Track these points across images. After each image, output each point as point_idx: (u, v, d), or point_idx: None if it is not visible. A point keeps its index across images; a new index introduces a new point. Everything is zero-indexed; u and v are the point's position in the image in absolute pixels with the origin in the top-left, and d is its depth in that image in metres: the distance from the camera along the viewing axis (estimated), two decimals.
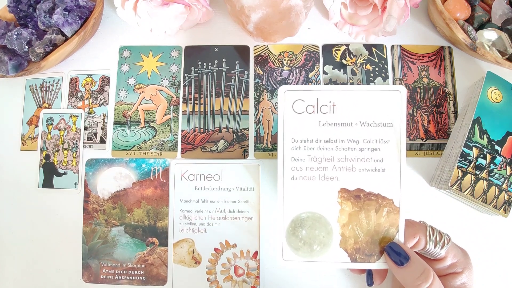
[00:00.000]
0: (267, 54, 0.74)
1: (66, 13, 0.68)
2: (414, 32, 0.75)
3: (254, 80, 0.73)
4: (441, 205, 0.69)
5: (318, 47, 0.74)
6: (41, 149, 0.72)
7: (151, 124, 0.72)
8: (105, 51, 0.75)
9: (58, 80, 0.74)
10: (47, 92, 0.74)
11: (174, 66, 0.74)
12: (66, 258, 0.69)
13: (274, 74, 0.73)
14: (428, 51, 0.74)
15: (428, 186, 0.69)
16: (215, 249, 0.67)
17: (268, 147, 0.70)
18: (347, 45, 0.74)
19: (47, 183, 0.71)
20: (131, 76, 0.73)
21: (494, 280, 0.67)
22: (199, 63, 0.74)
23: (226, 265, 0.67)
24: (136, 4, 0.70)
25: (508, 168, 0.64)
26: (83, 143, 0.72)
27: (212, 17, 0.75)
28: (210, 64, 0.74)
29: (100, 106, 0.73)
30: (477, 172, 0.63)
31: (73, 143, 0.71)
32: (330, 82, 0.73)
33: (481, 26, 0.70)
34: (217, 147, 0.71)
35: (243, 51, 0.74)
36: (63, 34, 0.69)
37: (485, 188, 0.63)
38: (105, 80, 0.74)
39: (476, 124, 0.64)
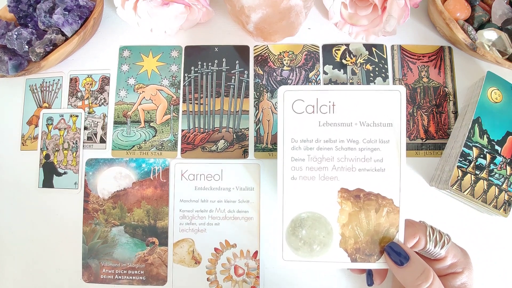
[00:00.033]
0: (267, 54, 0.74)
1: (66, 13, 0.68)
2: (414, 32, 0.75)
3: (254, 80, 0.73)
4: (441, 205, 0.69)
5: (318, 47, 0.74)
6: (41, 149, 0.72)
7: (151, 124, 0.72)
8: (105, 51, 0.75)
9: (58, 80, 0.74)
10: (47, 92, 0.74)
11: (174, 66, 0.74)
12: (66, 258, 0.69)
13: (274, 74, 0.73)
14: (428, 51, 0.74)
15: (428, 186, 0.69)
16: (215, 249, 0.67)
17: (268, 147, 0.70)
18: (347, 45, 0.74)
19: (47, 183, 0.71)
20: (131, 76, 0.74)
21: (494, 280, 0.67)
22: (199, 63, 0.74)
23: (226, 265, 0.67)
24: (136, 4, 0.70)
25: (508, 168, 0.64)
26: (83, 143, 0.72)
27: (212, 17, 0.75)
28: (210, 64, 0.74)
29: (100, 106, 0.73)
30: (477, 172, 0.63)
31: (73, 143, 0.71)
32: (330, 82, 0.73)
33: (481, 26, 0.70)
34: (217, 147, 0.71)
35: (243, 51, 0.74)
36: (63, 34, 0.69)
37: (485, 188, 0.63)
38: (105, 80, 0.74)
39: (476, 124, 0.64)
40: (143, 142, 0.71)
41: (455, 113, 0.71)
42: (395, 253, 0.50)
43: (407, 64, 0.73)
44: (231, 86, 0.73)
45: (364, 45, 0.74)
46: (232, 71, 0.73)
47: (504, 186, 0.63)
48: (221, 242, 0.68)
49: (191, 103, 0.72)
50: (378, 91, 0.52)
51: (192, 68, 0.73)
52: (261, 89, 0.72)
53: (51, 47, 0.68)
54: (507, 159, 0.64)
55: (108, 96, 0.73)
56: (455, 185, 0.62)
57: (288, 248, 0.52)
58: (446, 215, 0.68)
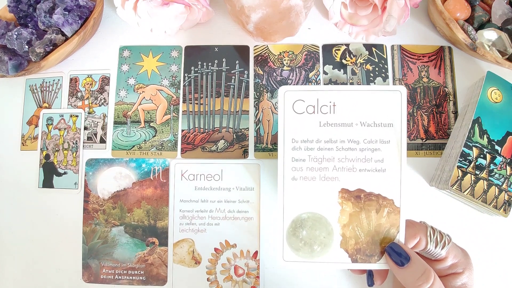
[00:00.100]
0: (267, 54, 0.74)
1: (66, 13, 0.68)
2: (414, 32, 0.75)
3: (254, 80, 0.73)
4: (441, 205, 0.69)
5: (318, 47, 0.74)
6: (41, 149, 0.72)
7: (151, 124, 0.72)
8: (105, 51, 0.75)
9: (58, 80, 0.74)
10: (47, 92, 0.74)
11: (174, 66, 0.74)
12: (66, 258, 0.69)
13: (274, 74, 0.73)
14: (428, 51, 0.74)
15: (428, 186, 0.69)
16: (215, 249, 0.67)
17: (268, 147, 0.70)
18: (347, 45, 0.74)
19: (47, 183, 0.71)
20: (131, 76, 0.73)
21: (494, 280, 0.67)
22: (199, 63, 0.74)
23: (226, 265, 0.67)
24: (136, 4, 0.70)
25: (508, 168, 0.64)
26: (83, 143, 0.72)
27: (212, 17, 0.75)
28: (210, 64, 0.74)
29: (100, 106, 0.73)
30: (477, 172, 0.63)
31: (73, 143, 0.71)
32: (330, 82, 0.73)
33: (481, 26, 0.70)
34: (217, 147, 0.71)
35: (243, 51, 0.74)
36: (63, 34, 0.69)
37: (485, 188, 0.63)
38: (105, 80, 0.74)
39: (476, 124, 0.64)
40: (143, 142, 0.71)
41: (455, 113, 0.71)
42: (396, 253, 0.50)
43: (407, 64, 0.73)
44: (231, 86, 0.73)
45: (364, 45, 0.74)
46: (232, 71, 0.73)
47: (504, 186, 0.63)
48: (221, 242, 0.68)
49: (191, 103, 0.72)
50: (378, 91, 0.52)
51: (192, 68, 0.73)
52: (261, 89, 0.72)
53: (51, 47, 0.68)
54: (507, 159, 0.64)
55: (108, 96, 0.73)
56: (455, 185, 0.62)
57: (288, 248, 0.52)
58: (446, 215, 0.68)
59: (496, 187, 0.63)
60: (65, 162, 0.71)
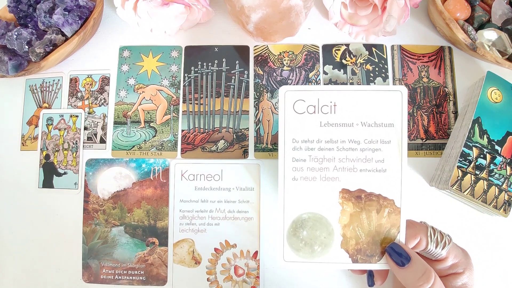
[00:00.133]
0: (267, 54, 0.74)
1: (66, 13, 0.68)
2: (414, 32, 0.75)
3: (254, 80, 0.73)
4: (441, 205, 0.69)
5: (318, 47, 0.74)
6: (41, 149, 0.72)
7: (151, 124, 0.72)
8: (105, 51, 0.75)
9: (58, 80, 0.74)
10: (47, 92, 0.74)
11: (174, 66, 0.74)
12: (66, 258, 0.69)
13: (274, 74, 0.73)
14: (428, 51, 0.74)
15: (428, 186, 0.69)
16: (215, 249, 0.67)
17: (268, 147, 0.70)
18: (347, 45, 0.74)
19: (47, 183, 0.71)
20: (131, 76, 0.73)
21: (494, 280, 0.67)
22: (199, 63, 0.74)
23: (226, 265, 0.67)
24: (136, 4, 0.70)
25: (508, 168, 0.64)
26: (83, 143, 0.72)
27: (212, 17, 0.75)
28: (210, 64, 0.74)
29: (100, 106, 0.73)
30: (477, 172, 0.63)
31: (73, 143, 0.71)
32: (330, 82, 0.73)
33: (481, 26, 0.70)
34: (217, 147, 0.71)
35: (243, 51, 0.74)
36: (63, 34, 0.69)
37: (485, 188, 0.63)
38: (105, 80, 0.74)
39: (476, 124, 0.64)
40: (143, 142, 0.71)
41: (455, 113, 0.71)
42: (396, 253, 0.50)
43: (407, 64, 0.73)
44: (231, 86, 0.73)
45: (364, 45, 0.74)
46: (232, 71, 0.73)
47: (504, 186, 0.63)
48: (221, 242, 0.68)
49: (191, 103, 0.72)
50: (379, 91, 0.52)
51: (192, 68, 0.73)
52: (261, 89, 0.72)
53: (51, 47, 0.68)
54: (507, 159, 0.64)
55: (108, 96, 0.73)
56: (455, 185, 0.62)
57: (289, 249, 0.52)
58: (446, 215, 0.68)
59: (496, 187, 0.63)
60: (65, 162, 0.71)
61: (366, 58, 0.74)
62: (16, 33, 0.67)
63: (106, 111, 0.72)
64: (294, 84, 0.73)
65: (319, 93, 0.53)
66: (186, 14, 0.72)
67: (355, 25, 0.74)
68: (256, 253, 0.67)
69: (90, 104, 0.73)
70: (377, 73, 0.73)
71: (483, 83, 0.65)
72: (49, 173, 0.71)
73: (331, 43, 0.75)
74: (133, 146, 0.71)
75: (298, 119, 0.53)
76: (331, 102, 0.53)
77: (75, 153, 0.71)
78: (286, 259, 0.52)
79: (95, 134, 0.72)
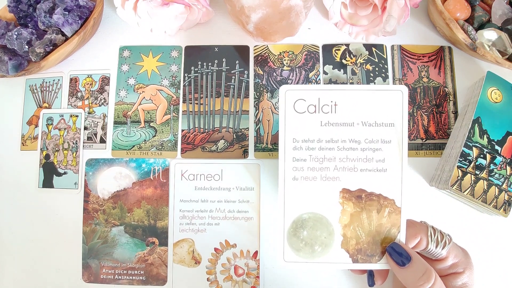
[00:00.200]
0: (267, 54, 0.74)
1: (66, 13, 0.68)
2: (414, 32, 0.75)
3: (254, 80, 0.73)
4: (441, 205, 0.69)
5: (318, 47, 0.74)
6: (41, 149, 0.72)
7: (151, 124, 0.72)
8: (105, 51, 0.75)
9: (58, 80, 0.74)
10: (47, 92, 0.74)
11: (174, 66, 0.74)
12: (66, 258, 0.69)
13: (274, 74, 0.73)
14: (428, 51, 0.74)
15: (428, 186, 0.69)
16: (215, 249, 0.67)
17: (268, 147, 0.70)
18: (347, 45, 0.74)
19: (47, 183, 0.71)
20: (131, 76, 0.73)
21: (494, 280, 0.67)
22: (199, 63, 0.74)
23: (226, 265, 0.67)
24: (136, 4, 0.70)
25: (508, 168, 0.64)
26: (83, 143, 0.72)
27: (212, 17, 0.75)
28: (210, 64, 0.74)
29: (100, 106, 0.73)
30: (477, 172, 0.63)
31: (73, 143, 0.71)
32: (330, 82, 0.73)
33: (481, 26, 0.70)
34: (217, 147, 0.71)
35: (243, 51, 0.74)
36: (63, 34, 0.69)
37: (485, 188, 0.63)
38: (105, 80, 0.74)
39: (476, 124, 0.64)
40: (143, 142, 0.71)
41: (455, 113, 0.71)
42: (397, 253, 0.50)
43: (407, 64, 0.73)
44: (231, 86, 0.73)
45: (364, 45, 0.74)
46: (232, 71, 0.73)
47: (504, 186, 0.64)
48: (221, 242, 0.68)
49: (191, 103, 0.72)
50: (380, 91, 0.52)
51: (192, 68, 0.73)
52: (261, 89, 0.72)
53: (51, 47, 0.68)
54: (507, 159, 0.64)
55: (108, 96, 0.73)
56: (455, 185, 0.62)
57: (289, 249, 0.52)
58: (446, 215, 0.68)
59: (496, 187, 0.63)
60: (65, 162, 0.71)
61: (366, 58, 0.74)
62: (16, 33, 0.67)
63: (106, 111, 0.72)
64: (294, 84, 0.72)
65: (320, 93, 0.53)
66: (186, 14, 0.72)
67: (355, 25, 0.74)
68: (256, 253, 0.67)
69: (90, 104, 0.73)
70: (377, 73, 0.73)
71: (483, 83, 0.65)
72: (49, 173, 0.71)
73: (331, 43, 0.75)
74: (133, 146, 0.71)
75: (298, 119, 0.53)
76: (331, 101, 0.53)
77: (75, 153, 0.71)
78: (287, 259, 0.52)
79: (95, 134, 0.72)
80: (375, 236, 0.52)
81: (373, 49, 0.74)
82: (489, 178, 0.63)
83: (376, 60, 0.73)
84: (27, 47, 0.68)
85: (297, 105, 0.53)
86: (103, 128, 0.72)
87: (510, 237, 0.68)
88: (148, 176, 0.70)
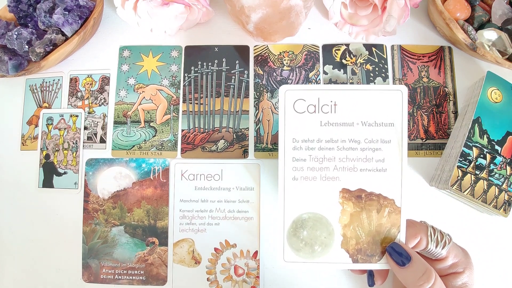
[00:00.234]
0: (267, 54, 0.74)
1: (66, 13, 0.68)
2: (414, 32, 0.75)
3: (254, 80, 0.73)
4: (441, 205, 0.69)
5: (318, 47, 0.74)
6: (41, 149, 0.72)
7: (151, 124, 0.72)
8: (105, 51, 0.75)
9: (58, 80, 0.74)
10: (47, 92, 0.74)
11: (174, 66, 0.74)
12: (66, 258, 0.69)
13: (274, 74, 0.73)
14: (428, 51, 0.74)
15: (428, 186, 0.69)
16: (215, 249, 0.67)
17: (268, 147, 0.70)
18: (347, 45, 0.74)
19: (47, 183, 0.71)
20: (131, 76, 0.73)
21: (494, 280, 0.67)
22: (199, 63, 0.74)
23: (226, 265, 0.67)
24: (136, 4, 0.70)
25: (508, 168, 0.64)
26: (83, 142, 0.71)
27: (212, 17, 0.75)
28: (210, 64, 0.74)
29: (100, 106, 0.73)
30: (477, 172, 0.63)
31: (73, 143, 0.71)
32: (330, 82, 0.73)
33: (481, 26, 0.70)
34: (217, 147, 0.71)
35: (243, 51, 0.74)
36: (63, 34, 0.69)
37: (485, 188, 0.63)
38: (105, 80, 0.74)
39: (476, 124, 0.64)
40: (143, 142, 0.71)
41: (455, 113, 0.71)
42: (397, 253, 0.50)
43: (407, 64, 0.73)
44: (231, 86, 0.73)
45: (364, 45, 0.74)
46: (232, 71, 0.73)
47: (504, 186, 0.63)
48: (221, 242, 0.68)
49: (191, 103, 0.72)
50: (379, 91, 0.52)
51: (192, 68, 0.73)
52: (261, 89, 0.72)
53: (51, 47, 0.68)
54: (507, 159, 0.64)
55: (108, 96, 0.73)
56: (455, 185, 0.62)
57: (289, 249, 0.52)
58: (446, 215, 0.68)
59: (496, 187, 0.63)
60: (65, 162, 0.71)
61: (366, 58, 0.74)
62: (16, 33, 0.67)
63: (106, 111, 0.72)
64: (294, 84, 0.72)
65: (320, 93, 0.53)
66: (186, 14, 0.72)
67: (355, 25, 0.74)
68: (256, 253, 0.67)
69: (90, 104, 0.73)
70: (377, 73, 0.73)
71: (483, 83, 0.65)
72: (49, 173, 0.71)
73: (331, 43, 0.75)
74: (133, 146, 0.71)
75: (298, 119, 0.53)
76: (331, 101, 0.53)
77: (75, 152, 0.71)
78: (286, 259, 0.52)
79: (95, 134, 0.72)
80: (375, 236, 0.52)
81: (373, 49, 0.74)
82: (489, 178, 0.63)
83: (376, 60, 0.73)
84: (27, 47, 0.68)
85: (297, 105, 0.53)
86: (103, 128, 0.72)
87: (510, 237, 0.68)
88: (148, 176, 0.70)
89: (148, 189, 0.69)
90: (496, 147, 0.64)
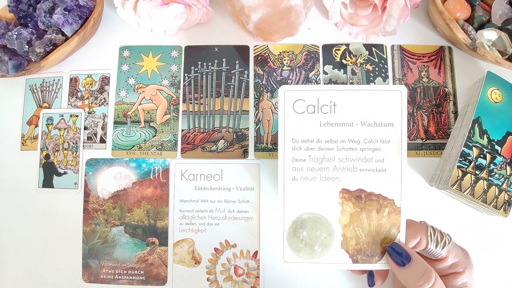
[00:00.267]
0: (267, 54, 0.74)
1: (66, 12, 0.68)
2: (414, 32, 0.75)
3: (254, 80, 0.73)
4: (441, 205, 0.69)
5: (318, 47, 0.74)
6: (41, 149, 0.72)
7: (151, 124, 0.72)
8: (105, 51, 0.75)
9: (58, 80, 0.74)
10: (47, 92, 0.74)
11: (174, 66, 0.74)
12: (66, 258, 0.69)
13: (274, 74, 0.73)
14: (428, 51, 0.74)
15: (428, 186, 0.69)
16: (215, 249, 0.67)
17: (268, 147, 0.70)
18: (347, 45, 0.74)
19: (47, 183, 0.71)
20: (131, 76, 0.73)
21: (494, 280, 0.67)
22: (199, 63, 0.74)
23: (226, 265, 0.67)
24: (136, 4, 0.70)
25: (508, 168, 0.64)
26: (83, 143, 0.71)
27: (212, 17, 0.75)
28: (210, 64, 0.74)
29: (100, 106, 0.73)
30: (477, 172, 0.63)
31: (73, 143, 0.71)
32: (330, 82, 0.73)
33: (481, 26, 0.70)
34: (217, 147, 0.71)
35: (243, 51, 0.74)
36: (63, 34, 0.69)
37: (485, 188, 0.63)
38: (105, 80, 0.74)
39: (476, 124, 0.64)
40: (143, 142, 0.71)
41: (455, 113, 0.71)
42: (397, 253, 0.50)
43: (407, 64, 0.73)
44: (231, 86, 0.73)
45: (364, 45, 0.74)
46: (232, 71, 0.73)
47: (504, 186, 0.63)
48: (221, 242, 0.68)
49: (191, 103, 0.72)
50: (379, 91, 0.52)
51: (192, 68, 0.73)
52: (261, 89, 0.72)
53: (51, 47, 0.68)
54: (507, 159, 0.64)
55: (108, 96, 0.73)
56: (455, 185, 0.62)
57: (289, 249, 0.52)
58: (446, 215, 0.68)
59: (496, 187, 0.63)
60: (65, 162, 0.71)
61: (366, 58, 0.74)
62: (16, 33, 0.67)
63: (106, 111, 0.72)
64: (294, 84, 0.72)
65: (319, 93, 0.53)
66: (186, 14, 0.72)
67: (355, 25, 0.74)
68: (256, 253, 0.67)
69: (90, 104, 0.73)
70: (377, 73, 0.73)
71: (483, 83, 0.65)
72: (49, 173, 0.71)
73: (331, 43, 0.75)
74: (133, 146, 0.71)
75: (297, 119, 0.53)
76: (330, 101, 0.52)
77: (75, 153, 0.71)
78: (286, 260, 0.52)
79: (95, 134, 0.72)
80: (375, 236, 0.52)
81: (373, 49, 0.74)
82: (489, 178, 0.63)
83: (376, 60, 0.73)
84: (27, 47, 0.68)
85: (296, 105, 0.53)
86: (103, 128, 0.72)
87: (510, 237, 0.68)
88: (148, 176, 0.70)
89: (148, 189, 0.69)
90: (496, 147, 0.64)
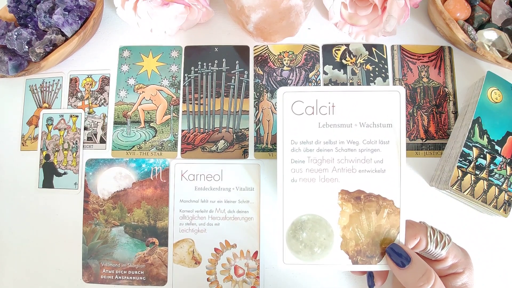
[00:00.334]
0: (267, 54, 0.74)
1: (66, 13, 0.68)
2: (414, 32, 0.75)
3: (254, 80, 0.73)
4: (441, 205, 0.69)
5: (318, 47, 0.74)
6: (41, 149, 0.72)
7: (151, 124, 0.72)
8: (105, 51, 0.75)
9: (58, 80, 0.74)
10: (47, 92, 0.74)
11: (174, 66, 0.74)
12: (66, 258, 0.69)
13: (274, 74, 0.73)
14: (428, 51, 0.74)
15: (428, 186, 0.69)
16: (215, 249, 0.68)
17: (268, 147, 0.70)
18: (347, 45, 0.74)
19: (47, 183, 0.71)
20: (131, 76, 0.73)
21: (494, 280, 0.67)
22: (199, 63, 0.74)
23: (226, 265, 0.67)
24: (136, 4, 0.70)
25: (508, 168, 0.64)
26: (83, 143, 0.72)
27: (212, 17, 0.75)
28: (210, 64, 0.74)
29: (100, 106, 0.73)
30: (477, 172, 0.63)
31: (73, 143, 0.71)
32: (330, 82, 0.72)
33: (481, 26, 0.70)
34: (217, 147, 0.71)
35: (243, 51, 0.74)
36: (63, 34, 0.69)
37: (485, 188, 0.63)
38: (105, 80, 0.74)
39: (476, 124, 0.64)
40: (143, 142, 0.71)
41: (455, 113, 0.71)
42: (396, 254, 0.50)
43: (407, 64, 0.73)
44: (231, 86, 0.73)
45: (364, 45, 0.74)
46: (232, 71, 0.73)
47: (504, 186, 0.63)
48: (221, 242, 0.68)
49: (191, 103, 0.72)
50: (377, 92, 0.52)
51: (192, 68, 0.73)
52: (261, 89, 0.72)
53: (51, 47, 0.68)
54: (507, 159, 0.64)
55: (108, 96, 0.73)
56: (455, 185, 0.62)
57: (288, 251, 0.52)
58: (446, 215, 0.68)
59: (496, 187, 0.63)
60: (65, 162, 0.71)
61: (366, 58, 0.73)
62: (16, 33, 0.68)
63: (106, 111, 0.72)
64: (294, 84, 0.72)
65: (318, 94, 0.53)
66: (186, 14, 0.72)
67: (355, 25, 0.74)
68: (256, 253, 0.67)
69: (90, 104, 0.73)
70: (377, 73, 0.73)
71: (483, 83, 0.65)
72: (49, 173, 0.71)
73: (331, 43, 0.75)
74: (133, 146, 0.71)
75: (296, 120, 0.53)
76: (329, 103, 0.52)
77: (75, 153, 0.71)
78: (286, 262, 0.52)
79: (95, 134, 0.72)
80: (375, 237, 0.52)
81: (373, 49, 0.74)
82: (489, 178, 0.63)
83: (376, 60, 0.73)
84: (27, 47, 0.68)
85: (295, 106, 0.53)
86: (103, 128, 0.72)
87: (510, 237, 0.68)
88: (148, 176, 0.70)
89: (148, 189, 0.69)
90: (496, 147, 0.64)
